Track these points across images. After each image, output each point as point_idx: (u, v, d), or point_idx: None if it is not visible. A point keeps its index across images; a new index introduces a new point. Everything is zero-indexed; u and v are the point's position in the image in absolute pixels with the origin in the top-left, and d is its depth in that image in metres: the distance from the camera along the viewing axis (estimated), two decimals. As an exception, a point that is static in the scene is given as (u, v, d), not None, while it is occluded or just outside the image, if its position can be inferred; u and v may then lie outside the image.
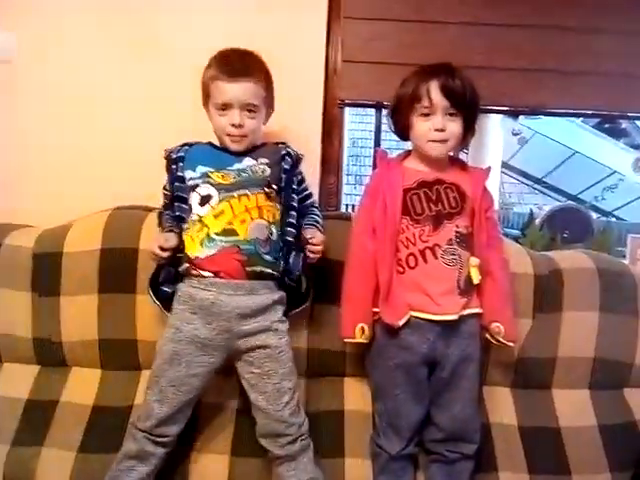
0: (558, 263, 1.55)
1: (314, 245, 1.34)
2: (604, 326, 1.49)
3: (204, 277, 1.30)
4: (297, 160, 1.42)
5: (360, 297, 1.35)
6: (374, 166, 1.47)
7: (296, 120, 1.66)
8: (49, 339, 1.50)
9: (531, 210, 5.50)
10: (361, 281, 1.35)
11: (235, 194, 1.32)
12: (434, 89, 1.30)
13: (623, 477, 1.42)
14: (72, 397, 1.48)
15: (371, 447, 1.39)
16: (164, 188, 1.43)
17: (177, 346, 1.29)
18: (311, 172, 1.46)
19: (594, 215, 5.69)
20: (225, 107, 1.34)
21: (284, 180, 1.37)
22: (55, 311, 1.49)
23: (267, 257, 1.31)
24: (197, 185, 1.34)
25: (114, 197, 1.60)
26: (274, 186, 1.36)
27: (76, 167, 1.75)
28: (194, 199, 1.34)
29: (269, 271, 1.32)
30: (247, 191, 1.33)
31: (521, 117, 5.71)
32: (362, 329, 1.33)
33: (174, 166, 1.38)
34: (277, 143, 1.45)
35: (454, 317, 1.30)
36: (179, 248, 1.32)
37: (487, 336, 1.37)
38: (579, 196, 7.13)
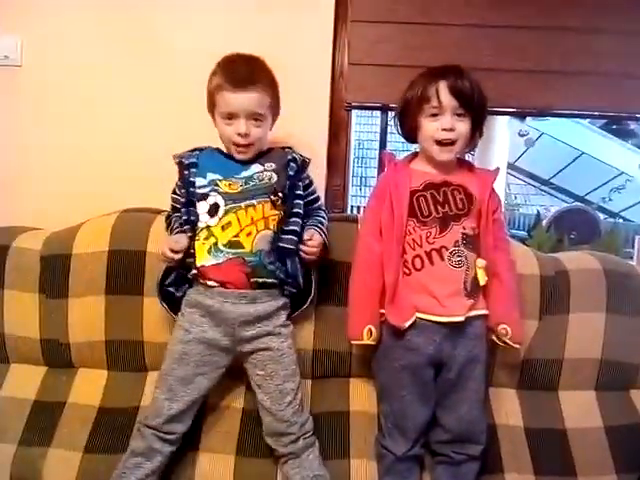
0: (564, 264, 1.54)
1: (309, 247, 1.35)
2: (611, 327, 1.49)
3: (209, 286, 1.33)
4: (303, 165, 1.43)
5: (367, 299, 1.35)
6: (380, 168, 1.47)
7: (303, 123, 1.67)
8: (57, 340, 1.51)
9: (538, 211, 5.49)
10: (368, 283, 1.35)
11: (242, 205, 1.34)
12: (443, 89, 1.30)
13: (629, 479, 1.42)
14: (79, 398, 1.48)
15: (376, 448, 1.39)
16: (173, 192, 1.44)
17: (186, 347, 1.33)
18: (317, 174, 1.47)
19: (601, 216, 5.66)
20: (231, 117, 1.35)
21: (288, 186, 1.38)
22: (63, 313, 1.50)
23: (270, 267, 1.34)
24: (206, 194, 1.36)
25: (120, 199, 1.62)
26: (280, 194, 1.37)
27: (81, 169, 1.77)
28: (203, 207, 1.36)
29: (272, 281, 1.34)
30: (254, 201, 1.35)
31: (528, 118, 5.69)
32: (369, 331, 1.33)
33: (187, 172, 1.39)
34: (283, 148, 1.45)
35: (460, 319, 1.30)
36: (189, 251, 1.34)
37: (493, 338, 1.37)
38: (586, 197, 7.10)
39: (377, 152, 6.16)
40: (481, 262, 1.33)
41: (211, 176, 1.37)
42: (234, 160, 1.39)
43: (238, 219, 1.34)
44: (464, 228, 1.33)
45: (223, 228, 1.33)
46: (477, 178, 1.39)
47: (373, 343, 1.35)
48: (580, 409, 1.49)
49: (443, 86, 1.30)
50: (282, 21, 1.73)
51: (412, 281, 1.32)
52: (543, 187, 7.83)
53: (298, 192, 1.40)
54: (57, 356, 1.52)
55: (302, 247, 1.35)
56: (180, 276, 1.37)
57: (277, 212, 1.36)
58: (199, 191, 1.37)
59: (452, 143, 1.32)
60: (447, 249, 1.31)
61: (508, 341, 1.35)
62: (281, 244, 1.34)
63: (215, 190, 1.36)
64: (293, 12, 1.72)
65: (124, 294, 1.49)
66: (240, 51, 1.40)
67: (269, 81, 1.39)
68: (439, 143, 1.33)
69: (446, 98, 1.30)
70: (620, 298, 1.51)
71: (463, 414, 1.34)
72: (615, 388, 1.52)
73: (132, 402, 1.45)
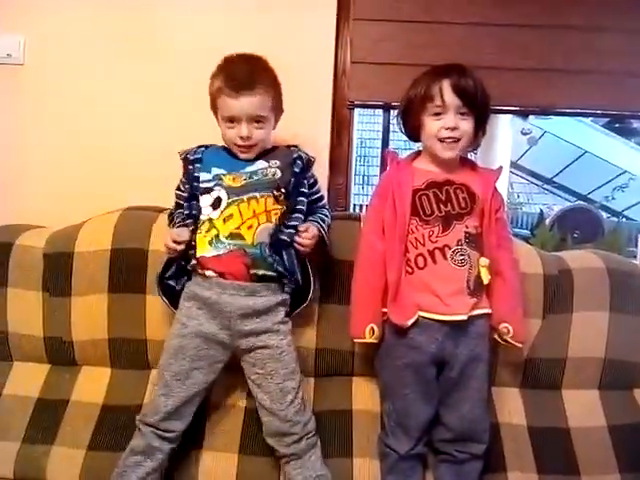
0: (568, 263, 1.54)
1: (303, 238, 1.34)
2: (614, 326, 1.49)
3: (208, 277, 1.32)
4: (308, 163, 1.43)
5: (369, 297, 1.35)
6: (382, 167, 1.48)
7: (305, 121, 1.67)
8: (60, 338, 1.52)
9: (541, 210, 5.48)
10: (370, 281, 1.35)
11: (244, 197, 1.34)
12: (446, 88, 1.30)
13: (632, 478, 1.41)
14: (82, 396, 1.49)
15: (379, 447, 1.39)
16: (177, 189, 1.45)
17: (182, 340, 1.32)
18: (320, 173, 1.47)
19: (604, 215, 5.65)
20: (232, 120, 1.36)
21: (292, 183, 1.38)
22: (66, 311, 1.51)
23: (270, 260, 1.33)
24: (210, 188, 1.36)
25: (122, 197, 1.62)
26: (283, 189, 1.37)
27: (83, 167, 1.77)
28: (206, 201, 1.36)
29: (272, 274, 1.33)
30: (256, 194, 1.35)
31: (531, 117, 5.68)
32: (372, 329, 1.33)
33: (191, 167, 1.40)
34: (289, 146, 1.45)
35: (463, 317, 1.30)
36: (190, 244, 1.34)
37: (495, 336, 1.37)
38: (589, 196, 7.08)
39: (379, 151, 6.16)
40: (484, 261, 1.33)
41: (216, 171, 1.38)
42: (239, 158, 1.40)
43: (240, 212, 1.33)
44: (467, 227, 1.33)
45: (225, 220, 1.33)
46: (480, 177, 1.39)
47: (375, 341, 1.35)
48: (583, 408, 1.49)
49: (447, 85, 1.30)
50: (284, 19, 1.72)
51: (415, 280, 1.32)
52: (546, 186, 7.82)
53: (302, 190, 1.40)
54: (60, 354, 1.53)
55: (296, 238, 1.34)
56: (180, 268, 1.36)
57: (280, 207, 1.36)
58: (203, 185, 1.37)
59: (455, 142, 1.32)
60: (450, 248, 1.31)
61: (510, 340, 1.35)
62: (280, 236, 1.34)
63: (219, 185, 1.36)
64: (295, 10, 1.72)
65: (127, 292, 1.49)
66: (241, 50, 1.40)
67: (270, 81, 1.39)
68: (443, 141, 1.33)
69: (449, 97, 1.30)
70: (623, 297, 1.50)
71: (466, 413, 1.34)
72: (618, 387, 1.52)
73: (135, 400, 1.45)
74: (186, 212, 1.37)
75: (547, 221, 4.74)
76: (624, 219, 6.50)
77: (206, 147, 1.44)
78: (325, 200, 1.52)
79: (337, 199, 1.86)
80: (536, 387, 1.51)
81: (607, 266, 1.53)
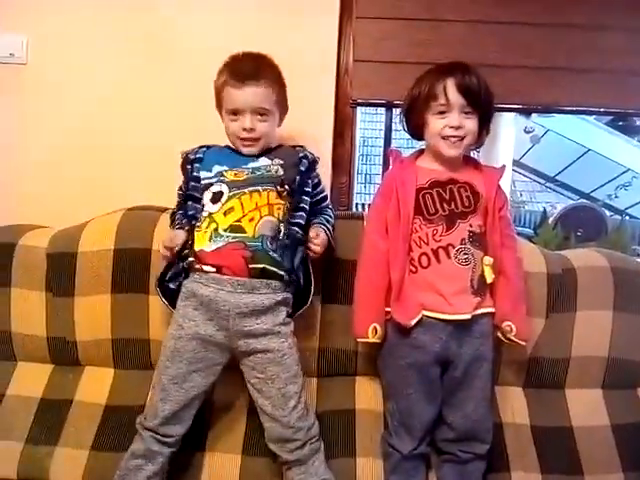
0: (571, 262, 1.54)
1: (314, 245, 1.34)
2: (618, 325, 1.49)
3: (206, 272, 1.29)
4: (313, 163, 1.42)
5: (372, 297, 1.35)
6: (385, 165, 1.47)
7: (308, 120, 1.66)
8: (63, 338, 1.52)
9: (544, 209, 5.47)
10: (373, 281, 1.35)
11: (246, 190, 1.32)
12: (450, 87, 1.30)
13: (636, 477, 1.41)
14: (85, 396, 1.49)
15: (383, 446, 1.39)
16: (179, 189, 1.44)
17: (178, 343, 1.29)
18: (323, 171, 1.47)
19: (607, 213, 5.63)
20: (236, 112, 1.35)
21: (298, 181, 1.37)
22: (69, 311, 1.51)
23: (274, 254, 1.29)
24: (211, 184, 1.35)
25: (125, 197, 1.62)
26: (287, 186, 1.35)
27: (86, 166, 1.77)
28: (207, 197, 1.35)
29: (273, 269, 1.29)
30: (259, 187, 1.33)
31: (534, 115, 5.67)
32: (375, 329, 1.33)
33: (189, 166, 1.39)
34: (294, 146, 1.45)
35: (467, 316, 1.29)
36: (187, 244, 1.32)
37: (499, 335, 1.37)
38: (592, 194, 7.07)
39: (382, 149, 6.15)
40: (488, 260, 1.33)
41: (217, 168, 1.37)
42: (242, 154, 1.39)
43: (242, 204, 1.31)
44: (470, 226, 1.32)
45: (225, 214, 1.30)
46: (483, 175, 1.38)
47: (378, 341, 1.35)
48: (587, 407, 1.49)
49: (451, 84, 1.30)
50: (287, 18, 1.72)
51: (418, 279, 1.32)
52: (549, 184, 7.80)
53: (307, 189, 1.39)
54: (64, 354, 1.53)
55: (310, 245, 1.34)
56: (180, 270, 1.34)
57: (282, 202, 1.34)
58: (204, 182, 1.36)
59: (460, 140, 1.32)
60: (454, 247, 1.30)
61: (513, 338, 1.34)
62: (293, 237, 1.32)
63: (221, 180, 1.35)
64: (298, 9, 1.72)
65: (130, 292, 1.49)
66: (244, 49, 1.40)
67: (275, 77, 1.39)
68: (447, 139, 1.32)
69: (454, 96, 1.30)
70: (627, 296, 1.50)
71: (469, 412, 1.33)
72: (622, 386, 1.51)
73: (138, 400, 1.45)
74: (190, 212, 1.36)
75: (550, 219, 4.73)
76: (627, 217, 6.47)
77: (208, 147, 1.43)
78: (329, 200, 1.51)
79: (340, 198, 1.86)
80: (539, 386, 1.51)
81: (611, 265, 1.52)
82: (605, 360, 1.49)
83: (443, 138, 1.32)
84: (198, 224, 1.34)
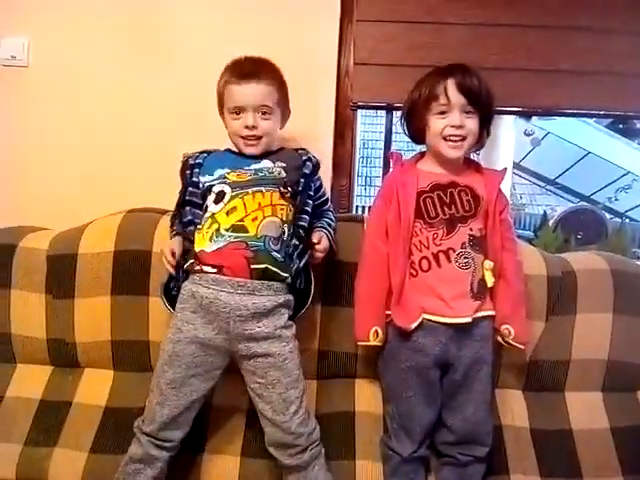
0: (571, 265, 1.54)
1: (316, 250, 1.34)
2: (618, 328, 1.48)
3: (206, 273, 1.26)
4: (317, 166, 1.42)
5: (373, 300, 1.35)
6: (385, 168, 1.47)
7: (308, 122, 1.67)
8: (63, 340, 1.51)
9: (545, 211, 5.47)
10: (374, 284, 1.35)
11: (249, 190, 1.31)
12: (451, 86, 1.30)
13: (635, 480, 1.41)
14: (85, 398, 1.49)
15: (382, 449, 1.39)
16: (180, 192, 1.43)
17: (177, 347, 1.27)
18: (323, 174, 1.47)
19: (607, 216, 5.64)
20: (239, 110, 1.35)
21: (302, 184, 1.36)
22: (69, 312, 1.50)
23: (277, 255, 1.28)
24: (213, 185, 1.34)
25: (126, 199, 1.62)
26: (290, 188, 1.34)
27: (87, 169, 1.78)
28: (210, 199, 1.33)
29: (276, 270, 1.27)
30: (262, 188, 1.32)
31: (534, 117, 5.67)
32: (376, 332, 1.33)
33: (188, 172, 1.38)
34: (296, 149, 1.45)
35: (467, 320, 1.29)
36: (188, 252, 1.31)
37: (498, 338, 1.37)
38: (592, 197, 7.07)
39: (382, 152, 6.15)
40: (489, 264, 1.33)
41: (219, 172, 1.35)
42: (244, 156, 1.38)
43: (244, 204, 1.29)
44: (471, 230, 1.32)
45: (228, 213, 1.29)
46: (484, 178, 1.38)
47: (379, 344, 1.35)
48: (587, 410, 1.48)
49: (451, 83, 1.30)
50: (288, 21, 1.73)
51: (419, 282, 1.32)
52: (549, 187, 7.80)
53: (310, 192, 1.38)
54: (63, 356, 1.53)
55: (313, 253, 1.34)
56: (181, 274, 1.33)
57: (285, 203, 1.33)
58: (206, 185, 1.35)
59: (461, 140, 1.32)
60: (454, 251, 1.30)
61: (511, 341, 1.35)
62: (297, 241, 1.31)
63: (223, 182, 1.33)
64: (299, 12, 1.73)
65: (130, 294, 1.49)
66: (245, 51, 1.40)
67: (277, 78, 1.39)
68: (448, 140, 1.32)
69: (454, 95, 1.30)
70: (627, 299, 1.50)
71: (469, 415, 1.33)
72: (622, 389, 1.51)
73: (138, 402, 1.44)
74: (188, 217, 1.35)
75: (550, 222, 4.74)
76: (628, 220, 6.48)
77: (208, 153, 1.42)
78: (330, 203, 1.51)
79: (340, 200, 1.87)
80: (539, 389, 1.51)
81: (611, 267, 1.52)
82: (605, 363, 1.48)
83: (444, 139, 1.32)
84: (199, 225, 1.33)
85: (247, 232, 1.27)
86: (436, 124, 1.33)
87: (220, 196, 1.31)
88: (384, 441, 1.39)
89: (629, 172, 6.74)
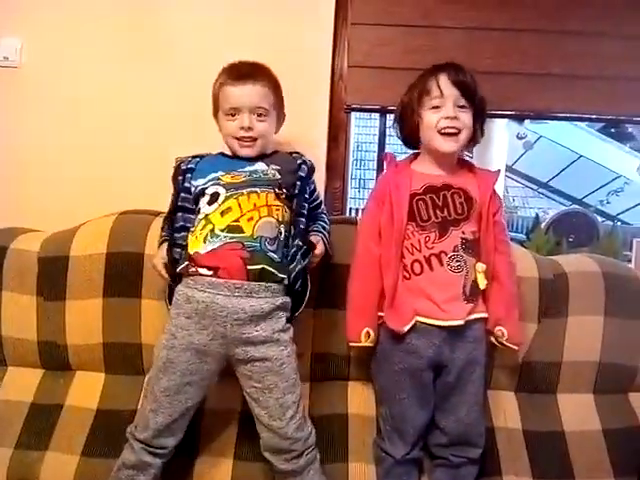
0: (563, 267, 1.54)
1: (314, 255, 1.34)
2: (609, 330, 1.49)
3: (201, 275, 1.24)
4: (311, 169, 1.41)
5: (365, 301, 1.35)
6: (379, 170, 1.48)
7: (302, 125, 1.66)
8: (54, 343, 1.50)
9: (537, 214, 5.50)
10: (366, 285, 1.35)
11: (244, 191, 1.29)
12: (443, 80, 1.31)
13: (627, 482, 1.42)
14: (76, 401, 1.48)
15: (375, 451, 1.39)
16: (172, 197, 1.42)
17: (171, 353, 1.24)
18: (317, 176, 1.47)
19: (599, 219, 5.68)
20: (234, 112, 1.34)
21: (298, 187, 1.35)
22: (60, 315, 1.50)
23: (273, 256, 1.26)
24: (206, 188, 1.32)
25: (119, 201, 1.61)
26: (285, 190, 1.33)
27: (79, 170, 1.76)
28: (203, 200, 1.32)
29: (272, 270, 1.25)
30: (257, 189, 1.30)
31: (526, 121, 5.70)
32: (368, 333, 1.33)
33: (180, 177, 1.37)
34: (290, 153, 1.44)
35: (460, 322, 1.29)
36: (175, 258, 1.30)
37: (492, 339, 1.37)
38: (584, 200, 7.12)
39: (375, 154, 6.17)
40: (481, 266, 1.33)
41: (213, 175, 1.33)
42: (238, 159, 1.37)
43: (239, 204, 1.27)
44: (463, 233, 1.32)
45: (222, 214, 1.27)
46: (478, 179, 1.38)
47: (371, 345, 1.35)
48: (579, 412, 1.49)
49: (444, 77, 1.31)
50: (282, 23, 1.73)
51: (411, 285, 1.32)
52: (541, 190, 7.85)
53: (306, 195, 1.37)
54: (54, 359, 1.52)
55: (312, 259, 1.33)
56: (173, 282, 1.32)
57: (281, 204, 1.32)
58: (199, 188, 1.33)
59: (456, 134, 1.32)
60: (446, 254, 1.30)
61: (505, 342, 1.35)
62: (297, 243, 1.30)
63: (217, 184, 1.32)
64: (293, 15, 1.73)
65: (122, 296, 1.48)
66: (240, 53, 1.41)
67: (273, 81, 1.39)
68: (443, 134, 1.32)
69: (447, 88, 1.30)
70: (618, 301, 1.51)
71: (462, 417, 1.33)
72: (613, 391, 1.52)
73: (130, 405, 1.44)
74: (180, 223, 1.33)
75: (542, 225, 4.76)
76: (619, 223, 6.52)
77: (201, 157, 1.41)
78: (324, 206, 1.51)
79: (333, 203, 1.86)
80: (532, 391, 1.51)
81: (602, 270, 1.53)
82: (596, 365, 1.49)
83: (439, 132, 1.32)
84: (192, 228, 1.31)
85: (243, 232, 1.25)
86: (430, 118, 1.32)
87: (214, 197, 1.30)
88: (377, 443, 1.39)
89: (620, 175, 6.80)
